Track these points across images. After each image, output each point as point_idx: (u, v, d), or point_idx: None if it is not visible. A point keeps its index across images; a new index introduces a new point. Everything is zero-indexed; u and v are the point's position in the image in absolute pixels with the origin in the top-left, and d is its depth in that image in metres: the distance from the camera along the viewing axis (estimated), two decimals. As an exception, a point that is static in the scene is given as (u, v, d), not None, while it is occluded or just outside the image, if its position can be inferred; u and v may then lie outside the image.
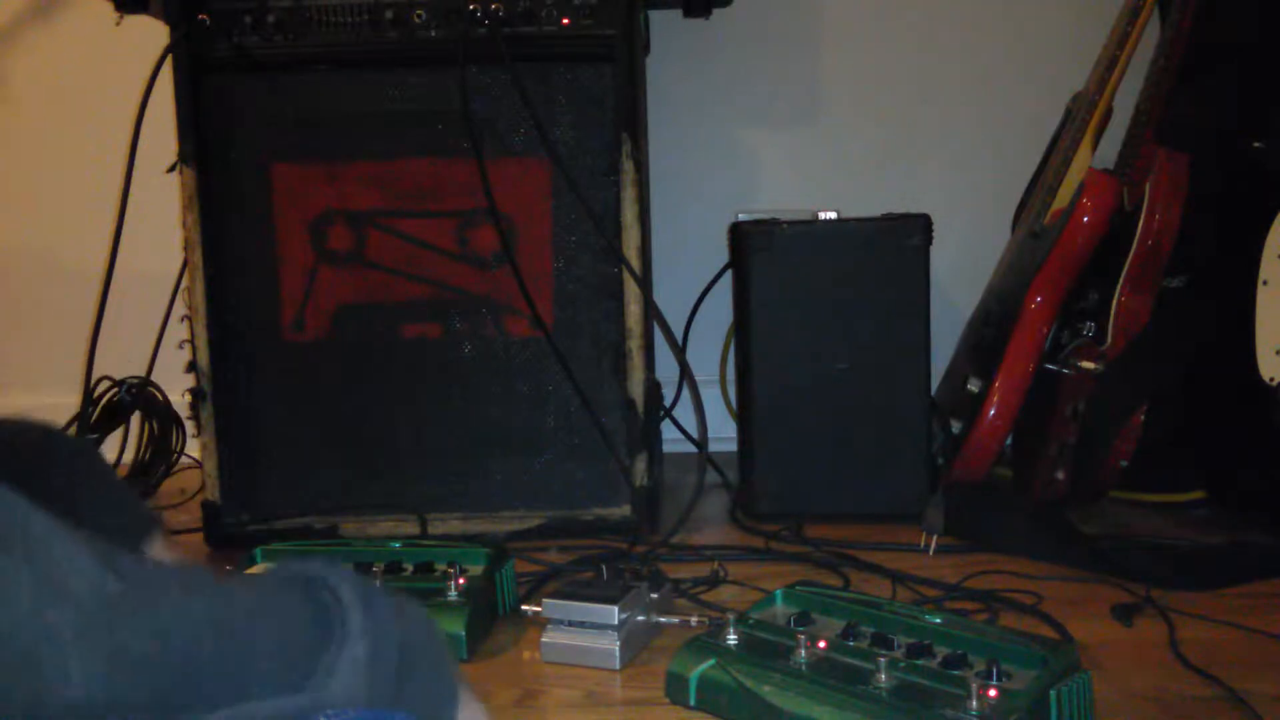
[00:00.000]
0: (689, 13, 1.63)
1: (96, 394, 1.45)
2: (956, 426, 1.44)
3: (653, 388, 1.37)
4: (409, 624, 0.63)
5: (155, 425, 1.52)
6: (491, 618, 1.05)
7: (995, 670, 0.79)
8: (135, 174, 1.31)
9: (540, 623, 0.99)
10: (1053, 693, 0.77)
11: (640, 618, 0.98)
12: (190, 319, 1.33)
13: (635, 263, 1.30)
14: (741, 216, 1.61)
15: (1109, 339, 1.36)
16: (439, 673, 0.66)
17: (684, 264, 1.75)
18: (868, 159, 1.83)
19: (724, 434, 1.62)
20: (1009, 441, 1.43)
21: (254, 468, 1.35)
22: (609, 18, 1.30)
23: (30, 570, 0.48)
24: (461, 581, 1.01)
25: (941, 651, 0.84)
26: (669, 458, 1.58)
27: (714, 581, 1.15)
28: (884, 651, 0.84)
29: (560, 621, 0.97)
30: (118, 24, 1.43)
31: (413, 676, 0.62)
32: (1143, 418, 1.34)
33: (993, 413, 1.39)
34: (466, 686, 0.71)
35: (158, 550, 0.89)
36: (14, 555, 0.48)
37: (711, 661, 0.85)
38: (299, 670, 0.57)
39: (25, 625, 0.47)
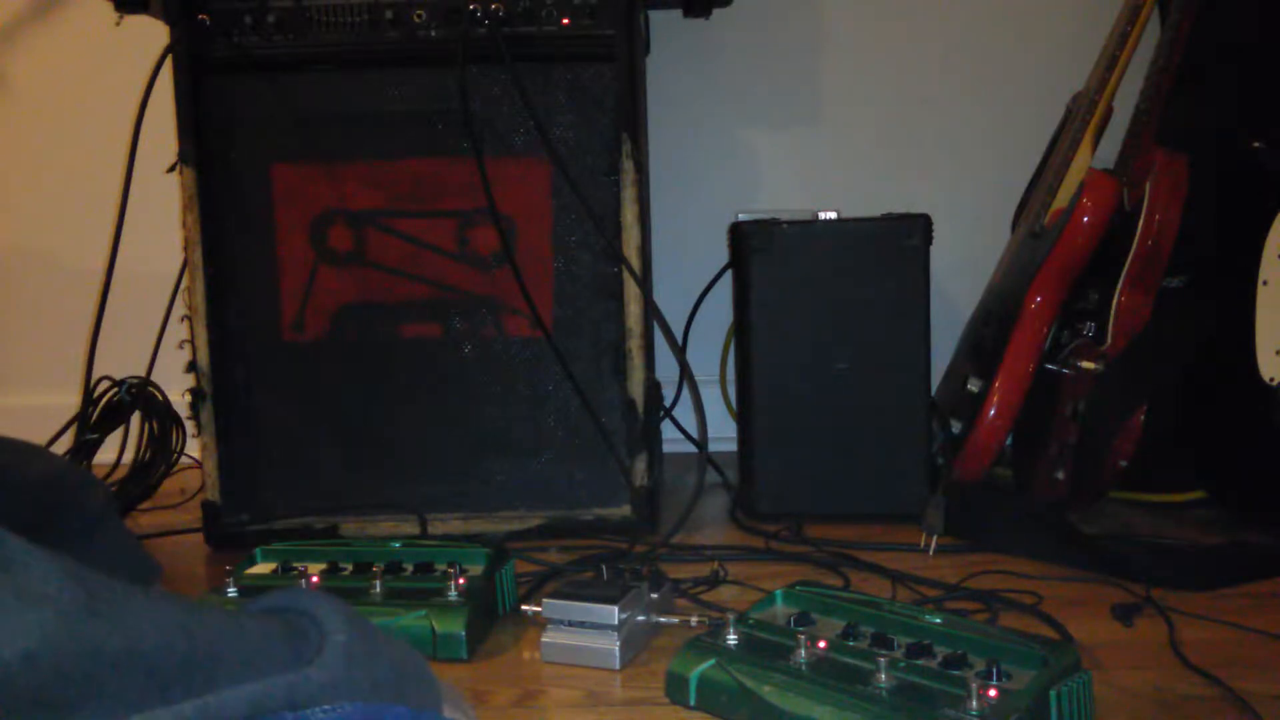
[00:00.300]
0: (689, 13, 1.63)
1: (96, 394, 1.44)
2: (956, 426, 1.44)
3: (653, 388, 1.37)
4: (394, 648, 0.64)
5: (155, 425, 1.52)
6: (491, 618, 1.05)
7: (995, 670, 0.79)
8: (135, 174, 1.31)
9: (540, 623, 0.99)
10: (1053, 693, 0.77)
11: (640, 618, 0.98)
12: (190, 319, 1.33)
13: (635, 263, 1.30)
14: (741, 216, 1.61)
15: (1109, 339, 1.36)
16: (425, 696, 0.66)
17: (684, 264, 1.75)
18: (868, 159, 1.83)
19: (724, 434, 1.62)
20: (1009, 441, 1.43)
21: (254, 468, 1.35)
22: (609, 18, 1.30)
23: (7, 579, 0.49)
24: (461, 581, 1.00)
25: (941, 651, 0.84)
26: (669, 458, 1.58)
27: (714, 581, 1.15)
28: (884, 651, 0.84)
29: (560, 621, 0.97)
30: (118, 24, 1.43)
31: (406, 696, 0.63)
32: (1143, 418, 1.34)
33: (993, 413, 1.39)
34: (458, 705, 0.71)
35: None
36: None
37: (711, 661, 0.85)
38: (280, 664, 0.57)
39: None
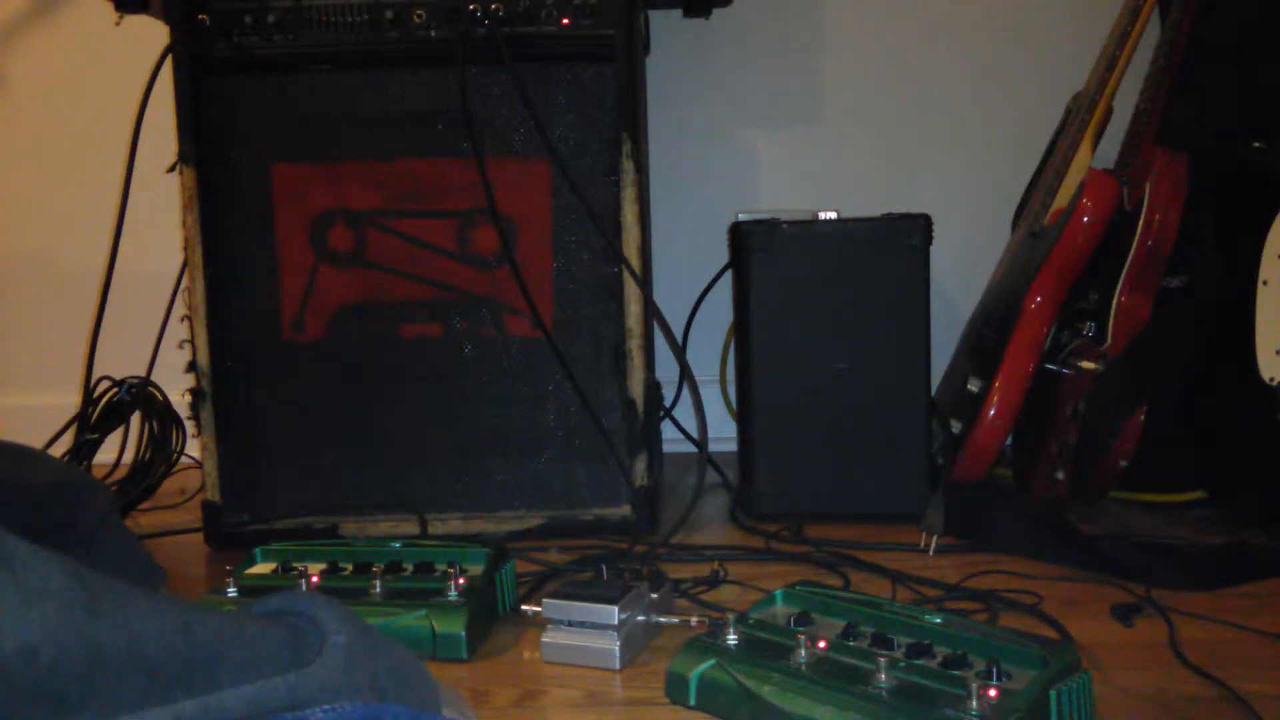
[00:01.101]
0: (689, 12, 1.63)
1: (96, 394, 1.44)
2: (956, 426, 1.44)
3: (653, 388, 1.37)
4: (393, 650, 0.64)
5: (155, 425, 1.52)
6: (491, 618, 1.05)
7: (995, 670, 0.79)
8: (135, 174, 1.31)
9: (540, 623, 0.99)
10: (1053, 693, 0.77)
11: (640, 618, 0.98)
12: (190, 319, 1.33)
13: (635, 263, 1.30)
14: (741, 216, 1.61)
15: (1109, 339, 1.36)
16: (425, 698, 0.67)
17: (684, 264, 1.75)
18: (868, 159, 1.83)
19: (724, 434, 1.62)
20: (1009, 441, 1.43)
21: (254, 468, 1.35)
22: (609, 18, 1.30)
23: (9, 576, 0.49)
24: (461, 581, 1.00)
25: (941, 651, 0.84)
26: (669, 458, 1.58)
27: (714, 581, 1.15)
28: (884, 651, 0.84)
29: (560, 621, 0.97)
30: (118, 24, 1.43)
31: (406, 697, 0.63)
32: (1143, 418, 1.34)
33: (993, 413, 1.39)
34: (457, 707, 0.71)
35: None
36: None
37: (711, 661, 0.85)
38: (280, 665, 0.57)
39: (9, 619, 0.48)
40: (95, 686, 0.51)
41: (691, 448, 1.56)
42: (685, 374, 1.36)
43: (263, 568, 1.11)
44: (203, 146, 1.31)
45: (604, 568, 1.07)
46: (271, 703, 0.55)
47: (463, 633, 0.96)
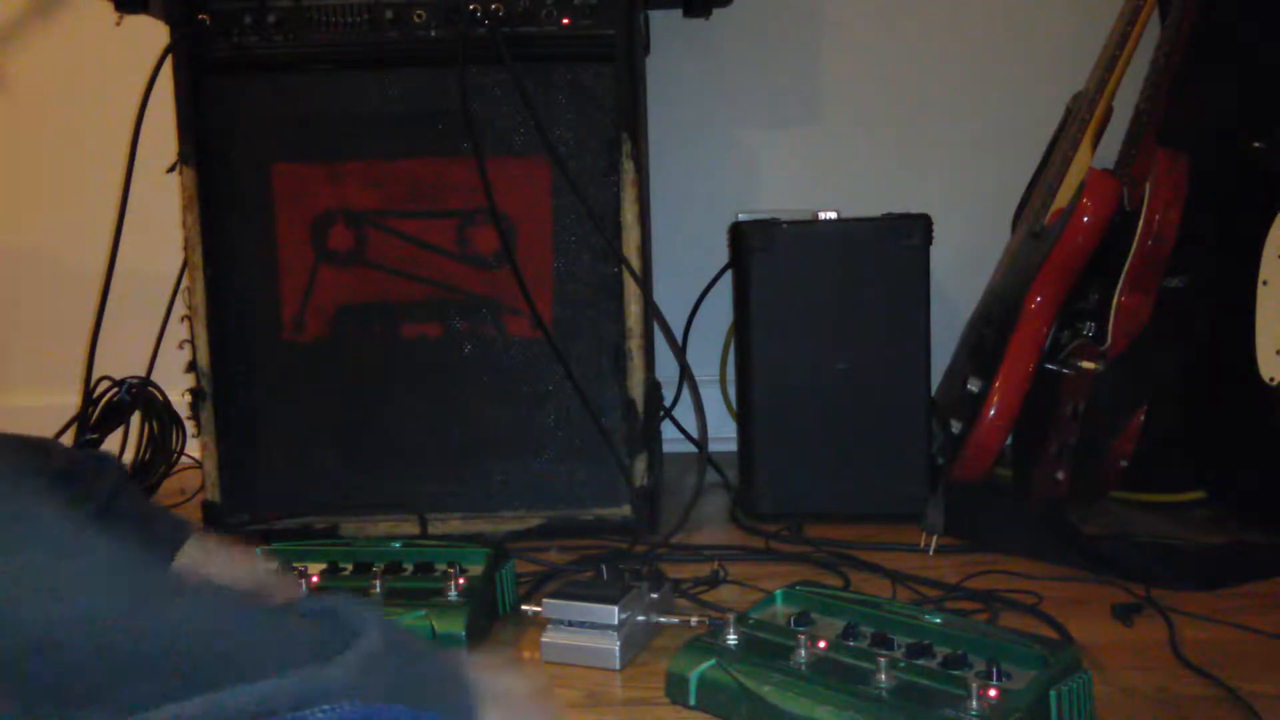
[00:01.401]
0: (689, 12, 1.63)
1: (96, 394, 1.45)
2: (956, 426, 1.44)
3: (653, 388, 1.37)
4: (432, 661, 0.64)
5: (155, 425, 1.52)
6: (491, 618, 1.05)
7: (995, 670, 0.79)
8: (135, 174, 1.31)
9: (540, 623, 0.99)
10: (1053, 693, 0.77)
11: (640, 618, 0.98)
12: (190, 319, 1.33)
13: (635, 263, 1.30)
14: (741, 216, 1.61)
15: (1109, 339, 1.36)
16: (462, 703, 0.66)
17: (684, 264, 1.75)
18: (868, 159, 1.83)
19: (724, 434, 1.62)
20: (1009, 441, 1.43)
21: (254, 468, 1.35)
22: (609, 18, 1.30)
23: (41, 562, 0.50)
24: (461, 581, 1.01)
25: (941, 651, 0.84)
26: (669, 458, 1.58)
27: (714, 581, 1.15)
28: (884, 651, 0.84)
29: (560, 621, 0.97)
30: (118, 24, 1.43)
31: (442, 703, 0.62)
32: (1143, 418, 1.34)
33: (993, 413, 1.39)
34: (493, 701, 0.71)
35: (192, 552, 0.92)
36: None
37: (711, 661, 0.85)
38: (298, 665, 0.57)
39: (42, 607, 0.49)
40: (112, 680, 0.51)
41: (691, 448, 1.56)
42: (685, 374, 1.36)
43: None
44: (203, 146, 1.31)
45: (604, 568, 1.07)
46: (279, 702, 0.55)
47: (463, 633, 0.96)
